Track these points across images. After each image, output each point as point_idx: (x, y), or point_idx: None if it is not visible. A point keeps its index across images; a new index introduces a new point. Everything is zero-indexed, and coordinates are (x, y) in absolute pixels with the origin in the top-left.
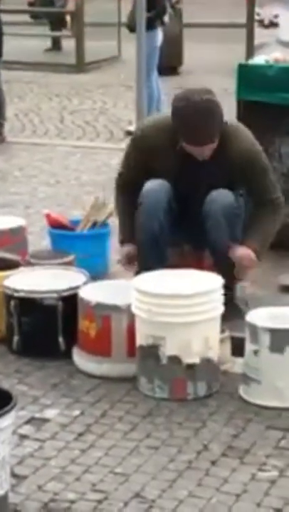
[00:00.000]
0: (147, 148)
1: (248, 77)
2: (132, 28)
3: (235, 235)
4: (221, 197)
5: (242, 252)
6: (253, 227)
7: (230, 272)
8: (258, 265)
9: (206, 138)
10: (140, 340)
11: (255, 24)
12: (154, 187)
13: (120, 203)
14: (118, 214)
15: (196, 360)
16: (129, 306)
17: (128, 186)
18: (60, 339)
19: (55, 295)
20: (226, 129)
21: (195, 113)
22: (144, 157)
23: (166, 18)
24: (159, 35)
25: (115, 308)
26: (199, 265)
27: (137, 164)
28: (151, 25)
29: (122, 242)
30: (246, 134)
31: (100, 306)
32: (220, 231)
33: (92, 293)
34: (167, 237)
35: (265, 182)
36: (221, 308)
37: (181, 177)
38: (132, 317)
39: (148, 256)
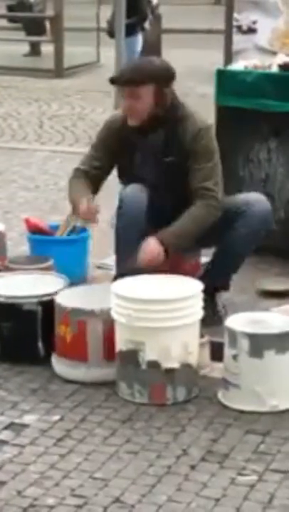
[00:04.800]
0: (113, 127)
1: (226, 82)
2: (112, 33)
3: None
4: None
5: (148, 247)
6: (177, 220)
7: (227, 276)
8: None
9: (121, 76)
10: (120, 345)
11: (234, 30)
12: (134, 192)
13: (74, 184)
14: (71, 192)
15: (176, 365)
16: (104, 311)
17: (86, 175)
18: (40, 344)
19: (34, 300)
20: (181, 112)
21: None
22: (111, 137)
23: (146, 24)
24: (140, 40)
25: (90, 313)
26: (178, 270)
27: (104, 149)
28: (131, 31)
29: (75, 200)
30: (200, 119)
31: (75, 311)
32: (252, 239)
33: (69, 298)
34: None
35: (205, 169)
36: (201, 313)
37: (138, 160)
38: (108, 322)
39: (127, 263)
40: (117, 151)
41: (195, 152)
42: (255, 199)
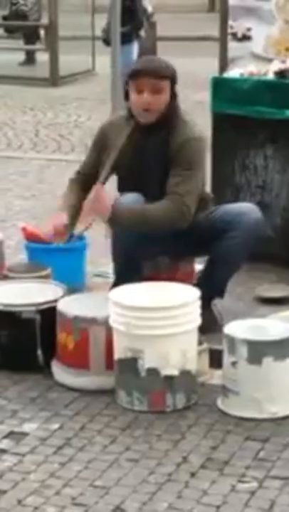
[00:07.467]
0: (106, 129)
1: (222, 90)
2: (108, 42)
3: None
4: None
5: (101, 196)
6: (143, 205)
7: (223, 284)
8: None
9: (146, 67)
10: (118, 353)
11: (229, 37)
12: (129, 200)
13: (67, 190)
14: (63, 197)
15: (175, 372)
16: (107, 319)
17: (82, 179)
18: (39, 352)
19: (33, 308)
20: (179, 118)
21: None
22: (103, 139)
23: (142, 32)
24: (135, 48)
25: (93, 321)
26: (174, 277)
27: (95, 151)
28: (127, 39)
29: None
30: (194, 129)
31: (77, 319)
32: (244, 247)
33: (70, 306)
34: (142, 252)
35: (182, 176)
36: (199, 320)
37: (129, 155)
38: (110, 330)
39: (124, 273)
40: (111, 144)
41: (177, 159)
42: (248, 208)
